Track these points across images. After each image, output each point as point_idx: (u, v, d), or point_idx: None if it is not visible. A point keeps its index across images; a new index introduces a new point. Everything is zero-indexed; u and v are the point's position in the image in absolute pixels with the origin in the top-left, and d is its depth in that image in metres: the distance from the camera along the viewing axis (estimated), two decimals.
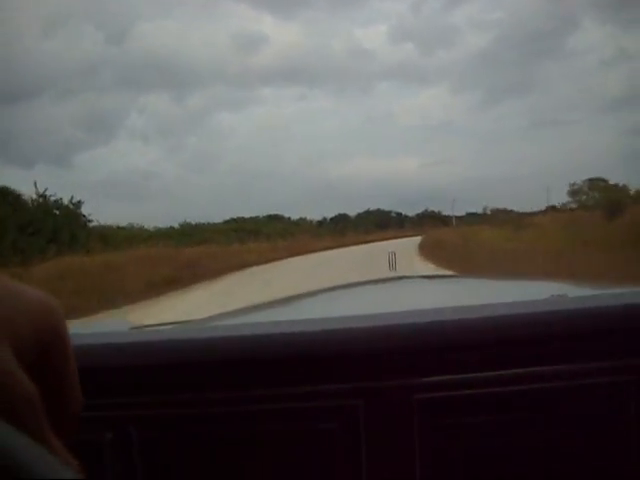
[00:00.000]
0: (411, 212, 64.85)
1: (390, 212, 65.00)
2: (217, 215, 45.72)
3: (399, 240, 31.03)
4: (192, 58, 74.82)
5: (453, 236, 26.45)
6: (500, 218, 32.92)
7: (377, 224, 54.60)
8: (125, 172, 66.09)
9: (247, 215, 50.04)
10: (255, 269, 19.53)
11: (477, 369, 0.83)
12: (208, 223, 42.76)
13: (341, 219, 58.81)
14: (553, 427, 0.82)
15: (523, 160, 76.41)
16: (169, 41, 71.37)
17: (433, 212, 64.89)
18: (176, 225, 39.86)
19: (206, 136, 74.49)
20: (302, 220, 52.82)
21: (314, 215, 56.50)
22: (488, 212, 41.24)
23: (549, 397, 0.83)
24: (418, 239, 31.08)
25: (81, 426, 0.39)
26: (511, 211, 38.19)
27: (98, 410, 0.77)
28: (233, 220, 48.57)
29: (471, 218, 53.30)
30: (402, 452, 0.80)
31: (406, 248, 21.89)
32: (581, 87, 77.61)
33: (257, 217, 51.75)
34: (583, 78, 77.95)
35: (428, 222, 57.93)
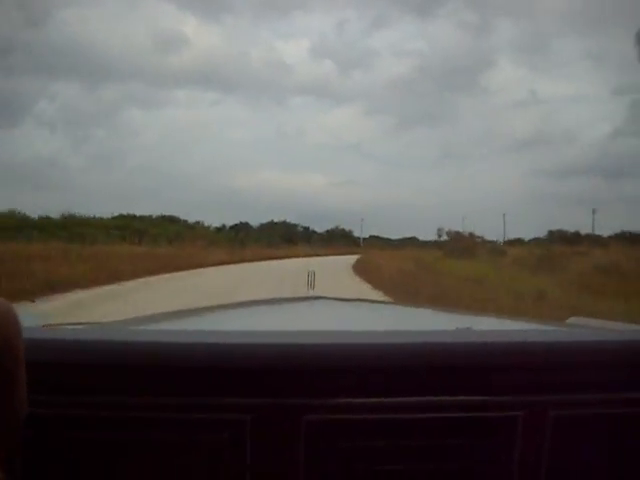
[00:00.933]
0: (318, 228, 61.06)
1: (297, 225, 60.16)
2: (112, 211, 42.08)
3: (319, 259, 24.83)
4: (110, 51, 71.85)
5: (407, 263, 20.17)
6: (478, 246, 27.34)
7: (283, 237, 49.50)
8: (28, 158, 62.13)
9: (141, 213, 44.80)
10: (66, 300, 10.26)
11: (369, 395, 0.82)
12: (94, 217, 37.81)
13: (242, 228, 53.42)
14: (444, 457, 0.83)
15: (428, 189, 77.93)
16: (89, 31, 68.23)
17: (344, 230, 60.87)
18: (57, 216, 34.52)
19: (115, 131, 71.20)
20: (198, 224, 46.88)
21: (214, 222, 50.89)
22: (444, 237, 36.20)
23: (441, 427, 0.83)
24: (347, 259, 25.95)
25: None
26: (494, 241, 34.16)
27: None
28: (122, 217, 42.93)
29: (374, 240, 52.47)
30: (287, 471, 0.81)
31: (342, 275, 16.42)
32: (491, 124, 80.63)
33: (150, 216, 46.27)
34: (494, 116, 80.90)
35: (339, 240, 53.83)
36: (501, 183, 74.49)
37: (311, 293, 2.24)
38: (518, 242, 48.70)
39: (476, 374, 0.86)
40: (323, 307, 1.95)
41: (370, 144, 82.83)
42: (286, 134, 78.84)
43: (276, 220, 58.31)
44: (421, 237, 59.10)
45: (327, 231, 59.93)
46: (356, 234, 60.13)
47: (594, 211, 58.15)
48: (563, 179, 76.28)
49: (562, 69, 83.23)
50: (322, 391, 0.82)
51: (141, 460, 0.80)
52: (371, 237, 59.09)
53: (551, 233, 58.52)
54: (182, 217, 47.73)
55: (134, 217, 44.39)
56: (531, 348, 0.88)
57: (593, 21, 79.55)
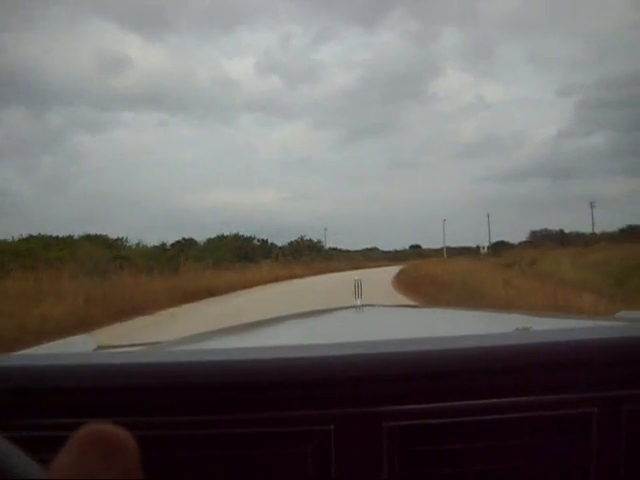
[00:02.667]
0: (276, 242, 51.14)
1: (253, 239, 48.49)
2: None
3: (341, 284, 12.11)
4: (54, 74, 71.45)
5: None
6: None
7: (236, 253, 37.67)
8: None
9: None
10: None
11: (447, 399, 0.85)
12: None
13: (186, 245, 41.54)
14: (520, 457, 0.85)
15: (380, 199, 79.22)
16: (30, 55, 66.62)
17: (310, 241, 49.57)
18: None
19: (62, 156, 70.79)
20: (120, 241, 34.95)
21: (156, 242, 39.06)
22: None
23: (516, 427, 0.85)
24: (380, 282, 14.62)
25: (44, 446, 0.41)
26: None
27: (61, 430, 0.62)
28: (33, 237, 31.47)
29: (334, 253, 50.21)
30: (371, 478, 0.83)
31: None
32: (440, 131, 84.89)
33: (71, 237, 34.90)
34: (442, 123, 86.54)
35: (306, 254, 42.52)
36: (450, 189, 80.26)
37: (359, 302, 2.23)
38: (503, 246, 49.93)
39: (544, 373, 0.86)
40: (373, 315, 2.04)
41: (320, 157, 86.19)
42: (236, 152, 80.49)
43: (227, 233, 46.90)
44: (382, 247, 60.62)
45: (290, 243, 48.39)
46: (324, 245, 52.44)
47: (592, 204, 52.89)
48: (514, 182, 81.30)
49: (507, 73, 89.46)
50: (399, 397, 0.84)
51: (225, 477, 0.81)
52: (330, 249, 55.86)
53: (534, 233, 59.91)
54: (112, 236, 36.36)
55: (47, 237, 33.02)
56: (596, 344, 0.90)
57: (534, 25, 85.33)
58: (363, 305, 2.13)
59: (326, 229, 58.58)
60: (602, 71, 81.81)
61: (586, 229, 53.78)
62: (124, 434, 0.29)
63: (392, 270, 28.01)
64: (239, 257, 35.99)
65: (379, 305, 2.16)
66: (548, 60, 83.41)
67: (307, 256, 41.45)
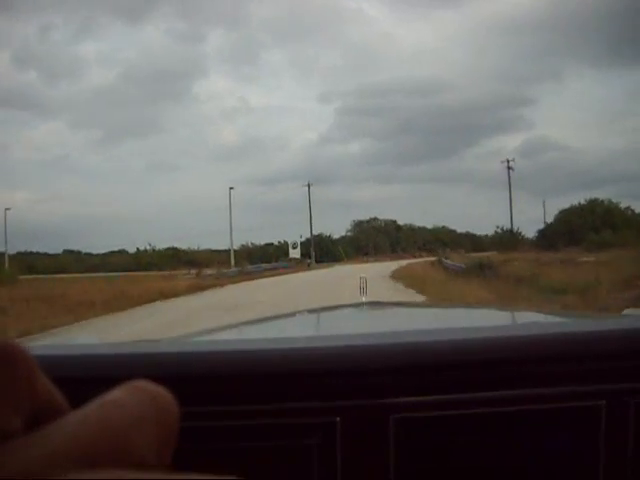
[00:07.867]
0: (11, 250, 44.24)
1: None
2: None
3: None
4: None
5: None
6: None
7: None
8: None
9: None
10: None
11: (454, 391, 0.83)
12: None
13: None
14: (527, 449, 0.84)
15: (136, 201, 77.53)
16: None
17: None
18: None
19: None
20: None
21: None
22: None
23: (524, 419, 0.84)
24: None
25: None
26: None
27: None
28: None
29: (68, 255, 48.45)
30: (377, 470, 0.81)
31: None
32: (201, 133, 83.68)
33: None
34: (204, 125, 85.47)
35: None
36: (213, 192, 79.14)
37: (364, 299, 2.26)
38: (325, 241, 51.04)
39: (554, 365, 0.86)
40: (378, 311, 2.08)
41: (77, 157, 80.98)
42: None
43: None
44: (131, 250, 56.86)
45: (19, 252, 36.83)
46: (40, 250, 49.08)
47: (509, 163, 46.66)
48: (273, 185, 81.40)
49: (271, 78, 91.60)
50: (406, 389, 0.82)
51: (232, 469, 0.78)
52: (65, 252, 52.64)
53: (360, 223, 59.51)
54: None
55: None
56: (606, 336, 0.88)
57: (297, 31, 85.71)
58: (369, 302, 2.18)
59: (8, 209, 45.22)
60: (359, 80, 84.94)
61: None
62: (18, 348, 0.27)
63: None
64: None
65: (385, 302, 2.29)
66: (309, 67, 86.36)
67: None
